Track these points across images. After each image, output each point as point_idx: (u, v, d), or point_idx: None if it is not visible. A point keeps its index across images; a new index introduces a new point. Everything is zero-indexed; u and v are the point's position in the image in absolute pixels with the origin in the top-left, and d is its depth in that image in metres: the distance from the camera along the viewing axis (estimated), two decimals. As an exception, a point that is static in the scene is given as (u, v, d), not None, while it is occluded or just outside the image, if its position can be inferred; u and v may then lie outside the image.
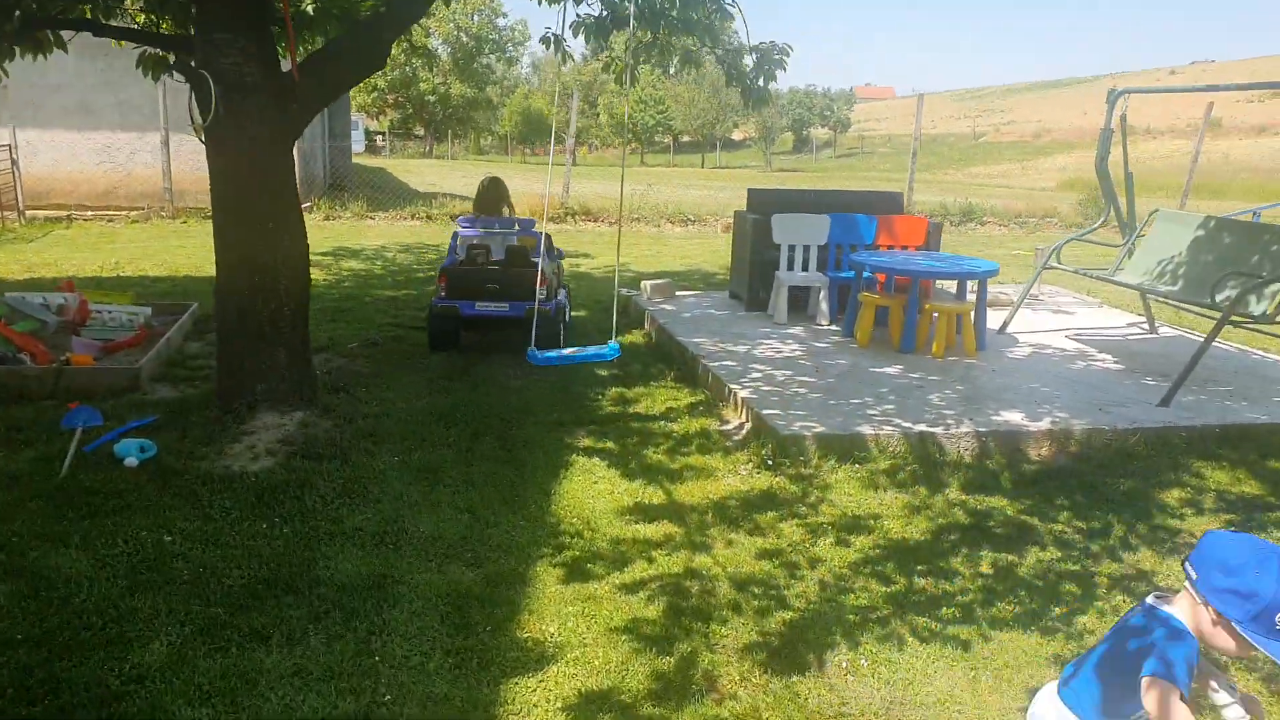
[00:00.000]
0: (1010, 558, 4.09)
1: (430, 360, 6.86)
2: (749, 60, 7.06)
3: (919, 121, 18.64)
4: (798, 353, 6.93)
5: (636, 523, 4.31)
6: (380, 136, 55.78)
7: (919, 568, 3.97)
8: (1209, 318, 7.54)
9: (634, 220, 17.57)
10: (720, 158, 71.85)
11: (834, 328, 7.81)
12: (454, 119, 57.12)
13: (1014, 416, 5.50)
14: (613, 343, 5.60)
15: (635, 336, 8.00)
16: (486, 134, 72.51)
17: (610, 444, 5.29)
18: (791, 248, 8.14)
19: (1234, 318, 5.82)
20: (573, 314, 8.27)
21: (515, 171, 37.59)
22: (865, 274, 7.37)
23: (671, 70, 7.27)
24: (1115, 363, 6.92)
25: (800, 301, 8.27)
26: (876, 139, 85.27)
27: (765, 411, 5.42)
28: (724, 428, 5.63)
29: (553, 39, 7.59)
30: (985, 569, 3.98)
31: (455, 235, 7.52)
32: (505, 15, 45.51)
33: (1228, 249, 6.55)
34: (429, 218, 16.45)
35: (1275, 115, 71.41)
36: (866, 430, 5.17)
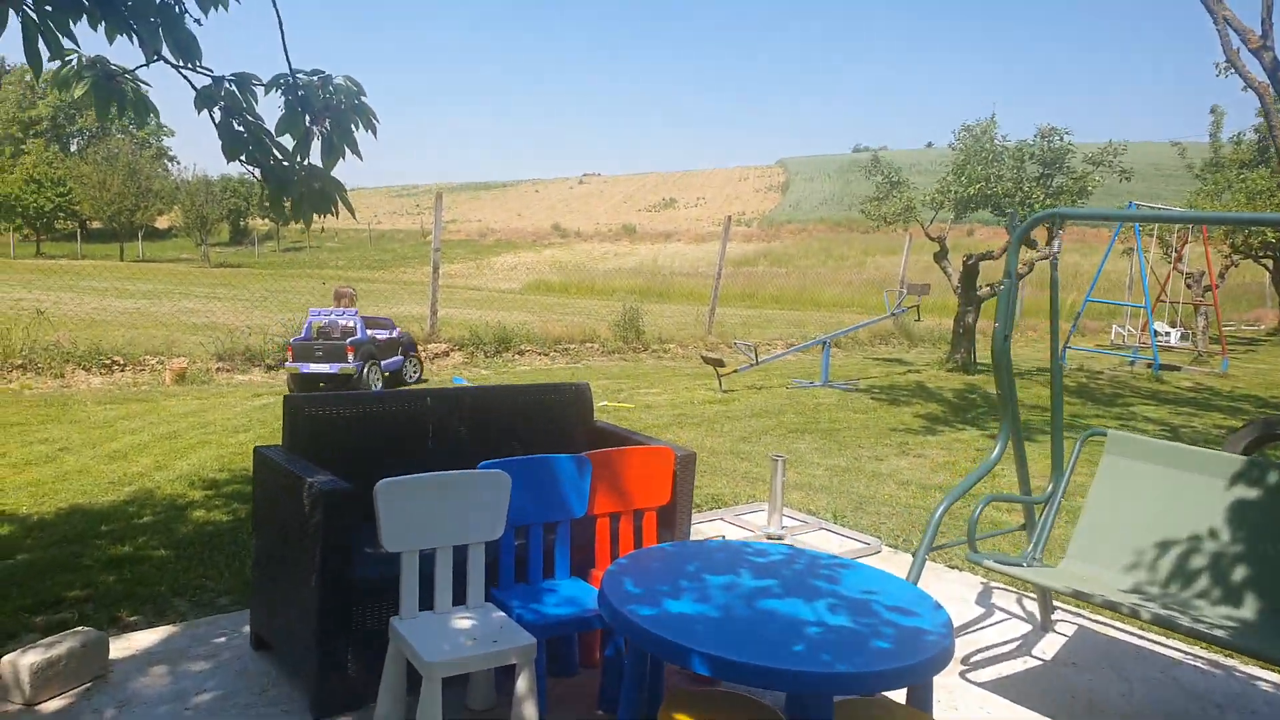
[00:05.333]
0: None
1: None
2: (269, 101, 2.59)
3: (438, 226, 14.66)
4: None
5: None
6: None
7: None
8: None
9: (17, 369, 10.79)
10: (143, 249, 61.02)
11: (558, 755, 3.20)
12: None
13: None
14: None
15: None
16: None
17: None
18: (426, 556, 3.37)
19: None
20: None
21: None
22: (695, 665, 2.89)
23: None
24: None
25: (456, 678, 3.48)
26: (323, 233, 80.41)
27: None
28: None
29: None
30: None
31: (308, 321, 10.95)
32: None
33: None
34: None
35: (674, 224, 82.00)
36: None
